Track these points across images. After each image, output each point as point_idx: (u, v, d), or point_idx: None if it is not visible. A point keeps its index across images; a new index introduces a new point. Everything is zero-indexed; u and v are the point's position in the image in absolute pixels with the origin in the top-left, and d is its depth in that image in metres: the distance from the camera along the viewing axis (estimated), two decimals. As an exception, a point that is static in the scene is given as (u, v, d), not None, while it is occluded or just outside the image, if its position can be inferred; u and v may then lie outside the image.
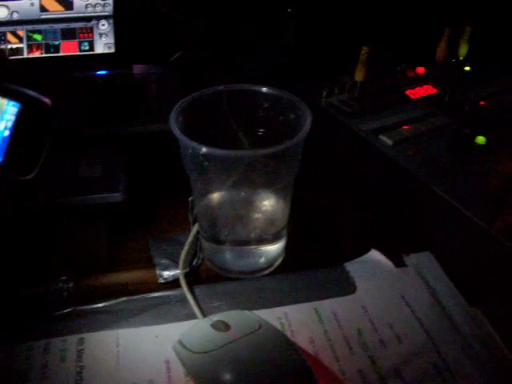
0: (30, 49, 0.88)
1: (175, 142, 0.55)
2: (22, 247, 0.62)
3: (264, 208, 0.61)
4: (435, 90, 0.89)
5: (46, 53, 0.89)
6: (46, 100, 0.45)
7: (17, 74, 0.47)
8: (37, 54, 0.88)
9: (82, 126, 0.75)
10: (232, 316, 0.52)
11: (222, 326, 0.50)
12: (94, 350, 0.52)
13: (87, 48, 0.90)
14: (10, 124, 0.44)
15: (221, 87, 0.61)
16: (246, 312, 0.54)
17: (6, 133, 0.44)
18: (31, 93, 0.45)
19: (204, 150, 0.51)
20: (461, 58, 0.96)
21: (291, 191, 0.60)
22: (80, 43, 0.90)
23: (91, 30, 0.89)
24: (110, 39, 0.90)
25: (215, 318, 0.52)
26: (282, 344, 0.49)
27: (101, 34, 0.90)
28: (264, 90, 0.61)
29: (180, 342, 0.50)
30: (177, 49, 0.96)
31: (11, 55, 0.85)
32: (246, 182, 0.57)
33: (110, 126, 0.76)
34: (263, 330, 0.49)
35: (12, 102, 0.44)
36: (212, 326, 0.50)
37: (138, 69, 0.90)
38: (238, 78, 0.63)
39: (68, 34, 0.89)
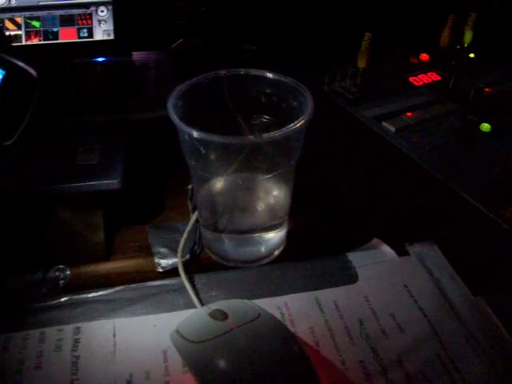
0: (29, 36, 0.87)
1: (175, 129, 0.54)
2: (18, 235, 0.61)
3: (264, 195, 0.60)
4: (439, 77, 0.88)
5: (45, 40, 0.87)
6: (32, 71, 0.46)
7: (6, 43, 0.48)
8: (35, 41, 0.87)
9: (79, 112, 0.74)
10: (230, 305, 0.51)
11: (220, 315, 0.49)
12: (90, 340, 0.51)
13: (86, 35, 0.89)
14: None
15: (223, 71, 0.59)
16: (245, 301, 0.53)
17: None
18: (17, 62, 0.45)
19: (197, 135, 0.50)
20: (465, 45, 0.94)
21: (292, 179, 0.59)
22: (79, 30, 0.88)
23: (90, 16, 0.88)
24: (110, 26, 0.89)
25: (213, 306, 0.51)
26: (281, 333, 0.48)
27: (100, 21, 0.88)
28: (267, 75, 0.59)
29: (177, 331, 0.50)
30: (177, 36, 0.94)
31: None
32: (246, 169, 0.55)
33: (109, 112, 0.75)
34: (262, 319, 0.48)
35: None
36: (210, 314, 0.49)
37: (137, 56, 0.89)
38: (239, 64, 0.61)
39: (67, 21, 0.88)
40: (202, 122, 0.51)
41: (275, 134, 0.50)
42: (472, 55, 0.94)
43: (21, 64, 0.46)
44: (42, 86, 0.48)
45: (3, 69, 0.45)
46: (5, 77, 0.45)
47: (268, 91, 0.60)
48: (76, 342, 0.51)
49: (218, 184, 0.59)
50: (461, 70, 0.88)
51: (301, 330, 0.53)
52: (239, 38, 0.95)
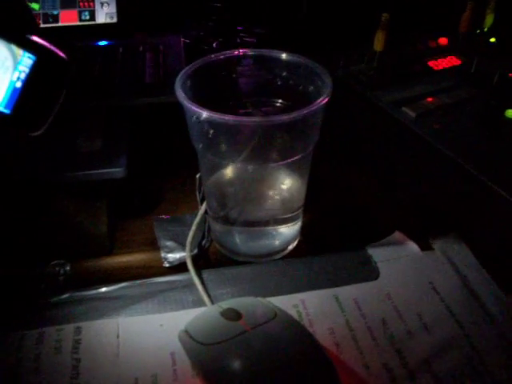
0: (27, 19, 0.83)
1: (182, 114, 0.51)
2: (16, 227, 0.59)
3: (278, 185, 0.57)
4: (459, 62, 0.84)
5: (44, 23, 0.85)
6: (63, 55, 0.45)
7: (37, 28, 0.46)
8: (34, 25, 0.84)
9: (81, 98, 0.71)
10: (244, 303, 0.48)
11: (233, 315, 0.45)
12: (91, 341, 0.49)
13: (88, 18, 0.86)
14: (23, 75, 0.43)
15: (236, 51, 0.56)
16: (260, 299, 0.49)
17: (18, 84, 0.43)
18: (49, 46, 0.44)
19: (205, 114, 0.46)
20: (485, 29, 0.91)
21: (308, 168, 0.56)
22: (80, 13, 0.85)
23: (92, -2, 0.85)
24: (112, 8, 0.86)
25: (225, 305, 0.47)
26: (300, 335, 0.45)
27: (102, 3, 0.86)
28: (283, 56, 0.56)
29: (186, 332, 0.46)
30: (183, 19, 0.91)
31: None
32: (258, 156, 0.52)
33: (111, 97, 0.71)
34: (279, 320, 0.45)
35: (28, 54, 0.43)
36: (222, 314, 0.46)
37: (141, 39, 0.85)
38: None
39: (67, 3, 0.85)
40: (210, 106, 0.47)
41: (290, 114, 0.46)
42: (493, 39, 0.90)
43: (52, 48, 0.44)
44: (73, 71, 0.47)
45: (34, 53, 0.43)
46: (36, 62, 0.43)
47: (283, 74, 0.57)
48: (77, 343, 0.48)
49: (228, 172, 0.56)
50: (482, 54, 0.84)
51: (320, 330, 0.50)
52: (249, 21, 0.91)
